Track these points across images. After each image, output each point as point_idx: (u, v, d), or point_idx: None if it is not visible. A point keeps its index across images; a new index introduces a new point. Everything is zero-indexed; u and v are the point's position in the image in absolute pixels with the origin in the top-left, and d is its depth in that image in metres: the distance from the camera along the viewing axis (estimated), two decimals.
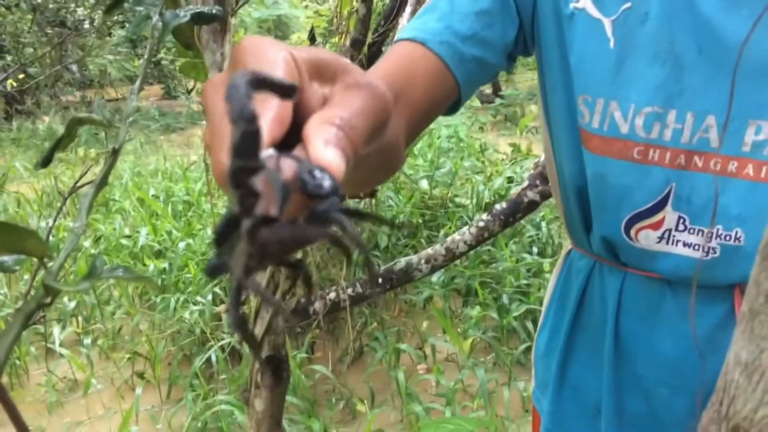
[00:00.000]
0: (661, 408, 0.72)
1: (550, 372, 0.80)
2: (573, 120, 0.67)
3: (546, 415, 0.81)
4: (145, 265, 3.27)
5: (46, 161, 0.64)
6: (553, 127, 0.72)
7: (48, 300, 0.47)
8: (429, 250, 2.41)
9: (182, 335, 2.69)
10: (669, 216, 0.64)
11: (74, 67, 10.31)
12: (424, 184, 3.78)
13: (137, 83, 0.70)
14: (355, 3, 2.51)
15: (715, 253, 0.63)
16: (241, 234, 0.27)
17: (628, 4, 0.62)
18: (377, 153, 0.40)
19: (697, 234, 0.64)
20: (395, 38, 0.68)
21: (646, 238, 0.66)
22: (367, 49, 2.76)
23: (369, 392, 2.33)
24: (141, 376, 2.61)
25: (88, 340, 2.82)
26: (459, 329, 2.67)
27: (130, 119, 0.65)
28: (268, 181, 0.27)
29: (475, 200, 3.69)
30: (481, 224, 2.35)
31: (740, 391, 0.33)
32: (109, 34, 9.86)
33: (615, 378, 0.72)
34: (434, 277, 2.98)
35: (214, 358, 2.44)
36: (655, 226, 0.65)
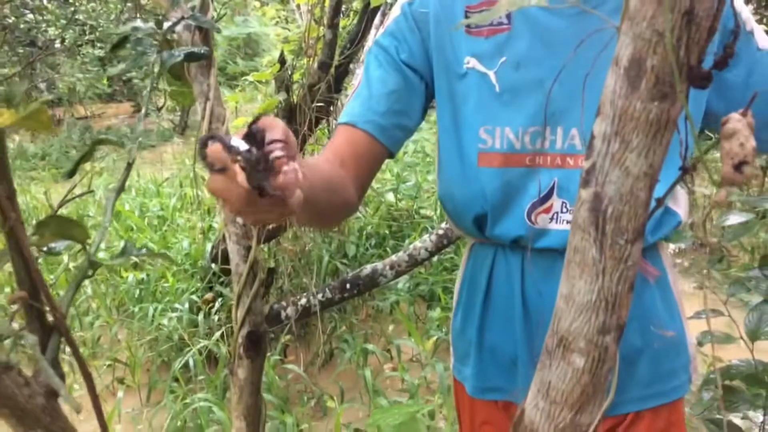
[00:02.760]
0: None
1: (469, 343, 0.98)
2: (467, 154, 0.89)
3: (470, 378, 0.99)
4: (122, 277, 3.39)
5: (71, 173, 0.81)
6: (445, 165, 0.94)
7: (90, 273, 0.64)
8: (393, 257, 2.60)
9: (160, 342, 2.82)
10: (555, 202, 0.86)
11: (42, 86, 10.33)
12: (391, 197, 3.97)
13: (143, 110, 0.87)
14: (322, 28, 2.70)
15: None
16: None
17: (503, 59, 0.86)
18: (327, 199, 0.71)
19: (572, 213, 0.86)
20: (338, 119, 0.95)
21: (543, 220, 0.87)
22: (334, 70, 2.94)
23: (339, 390, 2.49)
24: (121, 381, 2.74)
25: (69, 349, 2.93)
26: (422, 331, 2.85)
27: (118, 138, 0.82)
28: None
29: (439, 211, 3.89)
30: (441, 232, 2.55)
31: (562, 313, 0.51)
32: (79, 53, 9.92)
33: (526, 333, 0.92)
34: (400, 284, 3.17)
35: (191, 363, 2.58)
36: (547, 211, 0.87)
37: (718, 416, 1.58)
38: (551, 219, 0.87)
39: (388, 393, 2.43)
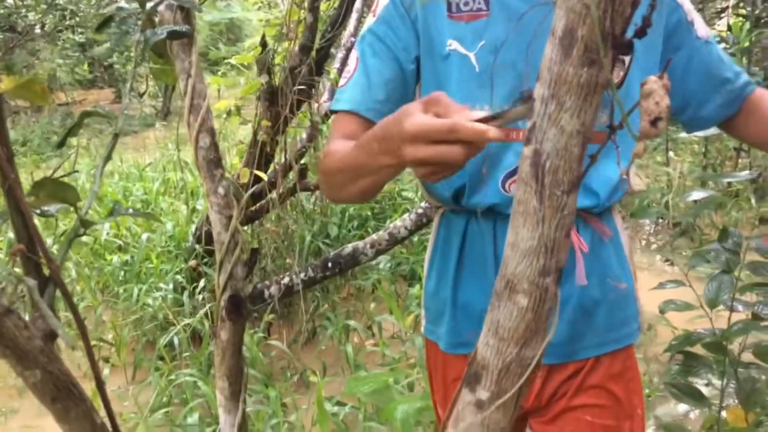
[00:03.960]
0: None
1: (444, 302, 1.05)
2: None
3: (444, 336, 1.06)
4: (106, 259, 3.43)
5: (60, 144, 0.86)
6: None
7: (82, 231, 0.69)
8: (374, 236, 2.65)
9: (145, 321, 2.87)
10: None
11: (24, 71, 10.22)
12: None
13: (128, 85, 0.92)
14: (302, 12, 2.73)
15: None
16: None
17: (482, 42, 0.93)
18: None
19: None
20: (332, 103, 1.01)
21: (514, 188, 0.93)
22: (315, 53, 2.97)
23: (321, 366, 2.56)
24: (107, 360, 2.79)
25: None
26: (403, 308, 2.92)
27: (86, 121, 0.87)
28: None
29: (420, 193, 3.95)
30: (420, 211, 2.61)
31: (509, 259, 0.58)
32: (59, 39, 9.82)
33: (454, 280, 1.02)
34: (381, 264, 3.23)
35: (176, 341, 2.63)
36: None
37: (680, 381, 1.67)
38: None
39: (369, 367, 2.50)
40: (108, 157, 0.81)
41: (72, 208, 0.70)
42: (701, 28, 1.00)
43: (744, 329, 1.57)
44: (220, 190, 1.06)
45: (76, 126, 0.84)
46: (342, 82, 1.01)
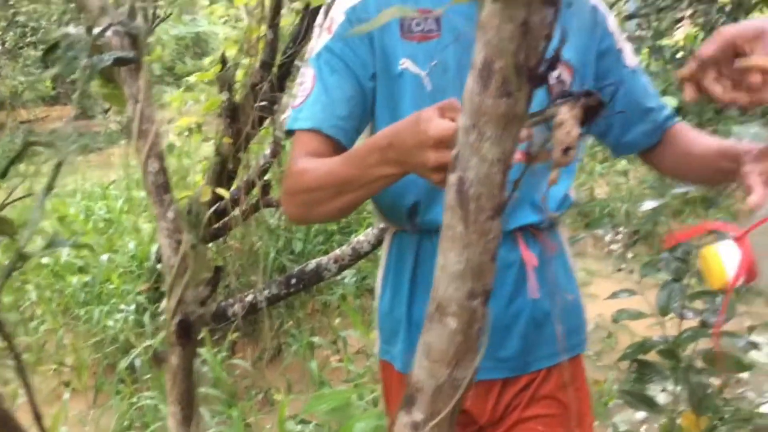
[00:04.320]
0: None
1: (398, 322, 1.06)
2: None
3: (399, 355, 1.07)
4: (66, 281, 3.37)
5: (2, 174, 0.86)
6: None
7: (20, 264, 0.69)
8: (337, 251, 2.67)
9: (106, 344, 2.83)
10: None
11: None
12: None
13: (71, 113, 0.92)
14: (263, 28, 2.74)
15: None
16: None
17: (434, 62, 0.96)
18: None
19: None
20: (288, 121, 1.01)
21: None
22: (276, 69, 2.98)
23: (286, 383, 2.55)
24: (67, 384, 2.74)
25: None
26: (368, 323, 2.92)
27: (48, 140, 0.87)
28: None
29: None
30: (382, 225, 2.63)
31: (439, 282, 0.59)
32: (21, 56, 9.68)
33: (409, 298, 1.04)
34: (347, 278, 3.24)
35: (138, 363, 2.60)
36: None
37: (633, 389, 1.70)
38: None
39: (334, 384, 2.49)
40: (49, 188, 0.80)
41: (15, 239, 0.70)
42: (629, 57, 1.05)
43: (693, 336, 1.61)
44: (170, 215, 1.06)
45: (20, 154, 0.83)
46: (298, 100, 1.01)
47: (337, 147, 0.96)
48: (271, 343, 2.82)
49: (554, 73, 1.00)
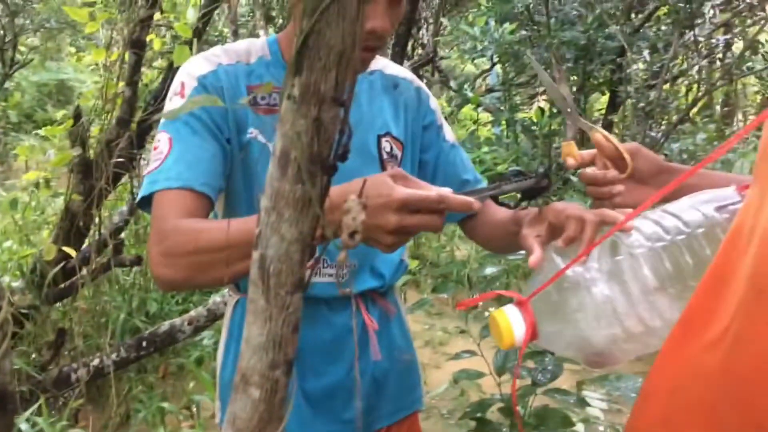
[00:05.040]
0: (327, 376, 1.08)
1: None
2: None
3: None
4: None
5: None
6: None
7: None
8: (192, 312, 2.61)
9: None
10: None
11: None
12: None
13: None
14: (121, 84, 2.70)
15: (343, 278, 1.01)
16: None
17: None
18: None
19: (332, 267, 1.03)
20: (144, 187, 0.96)
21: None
22: (136, 126, 2.93)
23: None
24: None
25: None
26: None
27: None
28: None
29: None
30: (228, 291, 2.61)
31: (243, 353, 0.62)
32: None
33: (297, 371, 1.05)
34: (205, 340, 3.15)
35: None
36: (311, 266, 1.01)
37: None
38: (315, 273, 1.00)
39: None
40: None
41: None
42: (448, 134, 1.17)
43: (524, 394, 1.72)
44: None
45: None
46: (154, 165, 0.97)
47: (209, 206, 0.94)
48: (117, 410, 2.67)
49: (386, 148, 1.09)
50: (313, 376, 1.07)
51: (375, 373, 1.10)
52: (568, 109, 0.92)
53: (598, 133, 0.92)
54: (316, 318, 1.05)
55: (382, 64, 1.15)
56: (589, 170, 0.91)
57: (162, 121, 1.01)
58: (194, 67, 1.01)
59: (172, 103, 1.00)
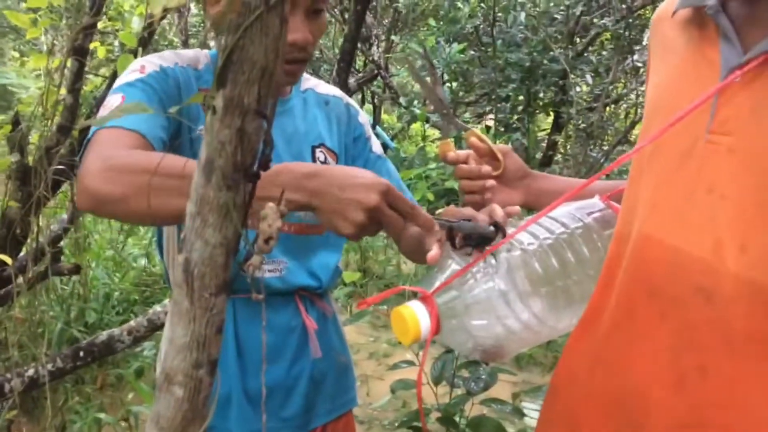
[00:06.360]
0: (267, 374, 1.12)
1: (226, 396, 1.10)
2: None
3: (237, 426, 1.11)
4: None
5: None
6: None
7: None
8: (132, 323, 2.58)
9: None
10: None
11: None
12: (144, 262, 3.89)
13: None
14: (63, 91, 2.66)
15: (280, 273, 1.07)
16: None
17: None
18: None
19: (271, 264, 1.09)
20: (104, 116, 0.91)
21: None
22: (78, 134, 2.89)
23: None
24: None
25: None
26: None
27: None
28: None
29: None
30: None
31: (167, 353, 0.64)
32: None
33: (240, 371, 1.09)
34: (146, 351, 3.11)
35: None
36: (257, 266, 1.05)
37: None
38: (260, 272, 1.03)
39: None
40: None
41: None
42: (375, 146, 1.23)
43: (458, 403, 1.76)
44: None
45: None
46: (104, 112, 0.94)
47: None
48: (53, 422, 2.61)
49: (320, 158, 1.14)
50: (255, 375, 1.10)
51: (313, 373, 1.15)
52: (445, 111, 1.00)
53: (474, 135, 1.03)
54: (255, 316, 1.09)
55: (314, 83, 1.22)
56: (464, 166, 1.00)
57: (115, 85, 0.98)
58: (153, 59, 1.02)
59: (128, 76, 0.97)
